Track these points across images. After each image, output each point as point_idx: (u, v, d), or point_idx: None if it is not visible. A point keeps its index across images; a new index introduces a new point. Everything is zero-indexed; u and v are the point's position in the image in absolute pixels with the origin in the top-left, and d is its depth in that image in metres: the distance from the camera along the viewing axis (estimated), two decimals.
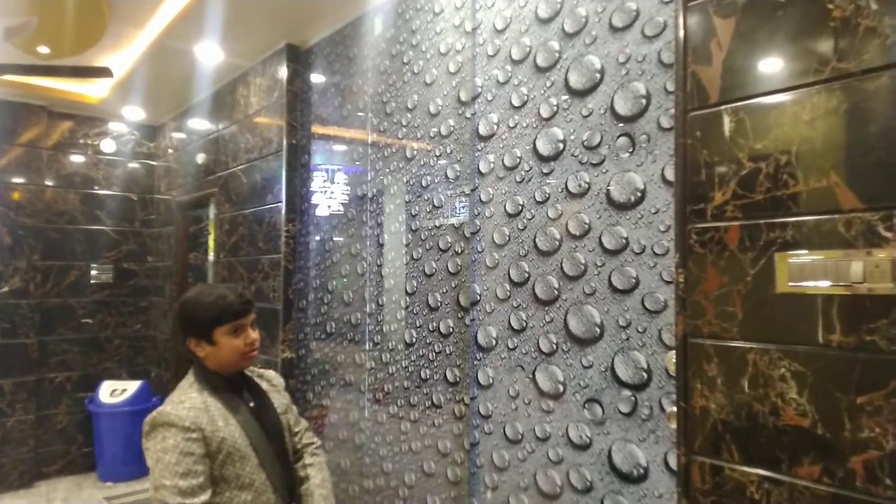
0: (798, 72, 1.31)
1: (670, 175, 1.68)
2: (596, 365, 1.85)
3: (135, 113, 4.84)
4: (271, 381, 1.76)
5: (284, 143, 3.27)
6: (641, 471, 1.72)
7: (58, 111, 4.69)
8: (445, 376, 2.35)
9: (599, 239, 1.85)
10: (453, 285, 2.33)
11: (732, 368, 1.38)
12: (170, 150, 4.92)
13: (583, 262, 1.89)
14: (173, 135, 4.86)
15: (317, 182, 3.20)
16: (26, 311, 4.47)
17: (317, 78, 3.26)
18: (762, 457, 1.33)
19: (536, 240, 2.03)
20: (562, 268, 1.95)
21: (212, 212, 4.37)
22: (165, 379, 4.75)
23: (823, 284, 1.25)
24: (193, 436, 1.43)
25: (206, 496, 1.41)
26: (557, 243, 1.97)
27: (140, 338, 5.08)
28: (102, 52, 3.60)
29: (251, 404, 1.60)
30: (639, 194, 1.75)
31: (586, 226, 1.89)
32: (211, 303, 1.53)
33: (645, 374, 1.73)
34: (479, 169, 2.25)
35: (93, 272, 4.87)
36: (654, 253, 1.71)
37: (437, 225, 2.42)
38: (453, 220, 2.35)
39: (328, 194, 3.14)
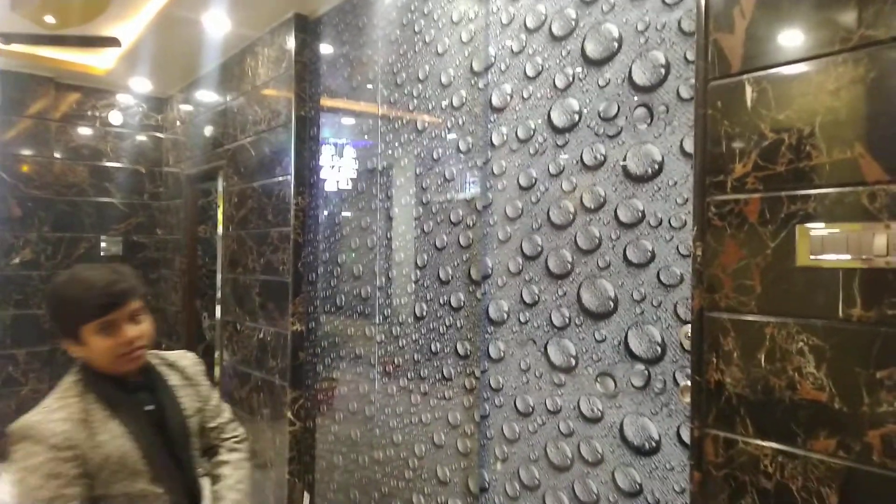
0: (824, 40, 1.27)
1: (689, 147, 1.64)
2: (609, 339, 1.84)
3: (142, 84, 4.80)
4: (184, 372, 1.51)
5: (293, 115, 3.24)
6: (653, 444, 1.73)
7: (65, 83, 4.66)
8: (456, 349, 2.35)
9: (615, 212, 1.82)
10: (465, 259, 2.32)
11: (749, 342, 1.37)
12: (178, 123, 4.89)
13: (597, 235, 1.87)
14: (181, 107, 4.83)
15: (325, 156, 3.18)
16: (38, 282, 4.50)
17: (326, 48, 3.22)
18: (777, 431, 1.33)
19: (550, 213, 2.01)
20: (576, 241, 1.93)
21: (220, 185, 4.35)
22: None
23: (845, 258, 1.23)
24: (64, 455, 1.18)
25: None
26: (571, 216, 1.95)
27: (150, 310, 5.05)
28: (109, 22, 3.56)
29: (149, 407, 1.36)
30: (656, 166, 1.72)
31: (601, 199, 1.86)
32: (73, 296, 1.27)
33: (659, 348, 1.72)
34: (491, 141, 2.22)
35: (102, 244, 4.89)
36: (671, 226, 1.69)
37: (449, 199, 2.40)
38: (465, 194, 2.33)
39: (337, 169, 3.12)
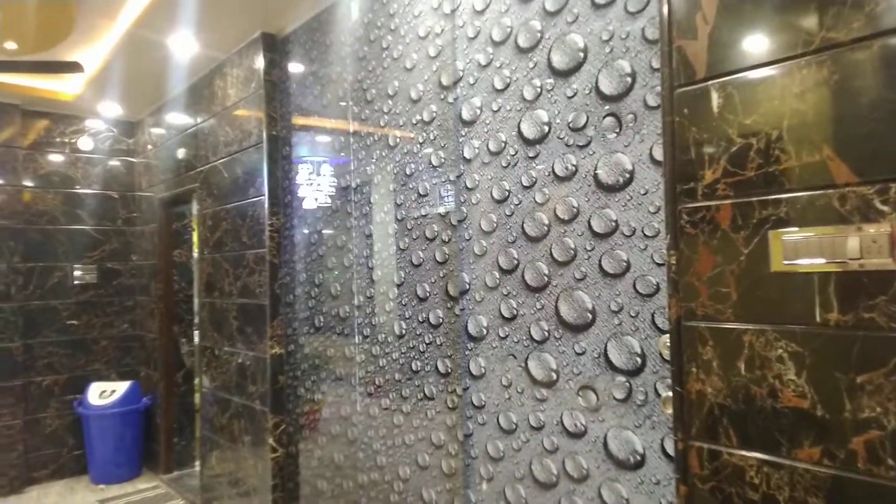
0: (787, 43, 1.27)
1: (659, 154, 1.63)
2: (589, 351, 1.82)
3: (111, 109, 4.73)
4: None
5: (265, 134, 3.20)
6: (638, 457, 1.69)
7: (32, 109, 4.58)
8: (437, 367, 2.31)
9: (588, 222, 1.81)
10: (442, 275, 2.28)
11: (728, 351, 1.35)
12: (149, 146, 4.82)
13: (572, 246, 1.85)
14: (152, 130, 4.76)
15: (302, 175, 3.13)
16: (9, 314, 4.39)
17: (295, 67, 3.18)
18: (761, 440, 1.30)
19: (524, 225, 1.99)
20: (551, 253, 1.91)
21: (194, 208, 4.29)
22: (155, 379, 4.69)
23: (819, 262, 1.21)
24: None
25: None
26: (546, 228, 1.93)
27: (127, 338, 5.00)
28: (73, 47, 3.50)
29: None
30: (627, 175, 1.71)
31: (575, 209, 1.84)
32: None
33: (639, 359, 1.69)
34: (463, 155, 2.20)
35: (76, 273, 4.79)
36: (645, 235, 1.67)
37: (424, 214, 2.37)
38: (439, 209, 2.30)
39: (315, 186, 3.08)
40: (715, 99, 1.37)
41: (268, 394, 3.15)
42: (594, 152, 1.80)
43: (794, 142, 1.25)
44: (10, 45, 2.98)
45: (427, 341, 2.35)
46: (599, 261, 1.78)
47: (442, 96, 2.26)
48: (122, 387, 4.60)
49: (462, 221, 2.20)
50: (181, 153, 4.23)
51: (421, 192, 2.38)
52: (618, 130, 1.73)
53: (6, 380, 4.36)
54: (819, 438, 1.22)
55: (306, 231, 3.13)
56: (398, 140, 2.50)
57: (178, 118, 4.27)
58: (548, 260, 1.92)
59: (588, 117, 1.81)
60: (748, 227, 1.32)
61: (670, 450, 1.62)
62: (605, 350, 1.77)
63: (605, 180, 1.77)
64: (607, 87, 1.76)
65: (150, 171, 4.82)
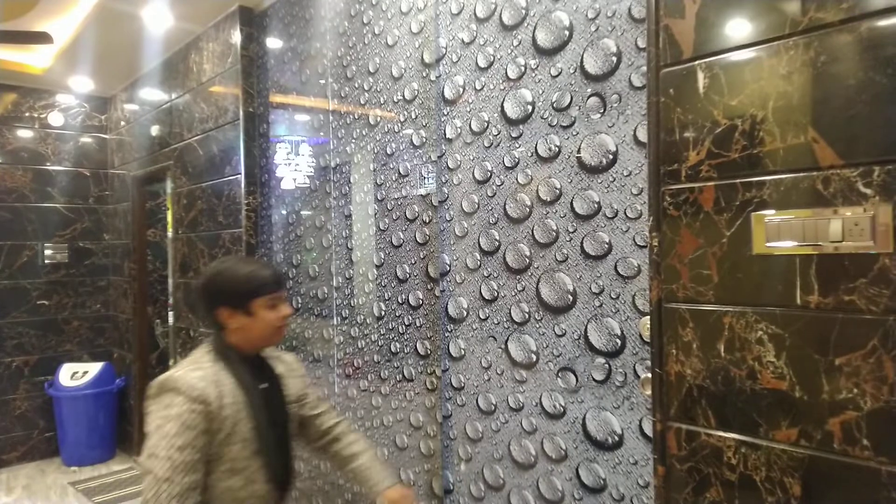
0: (774, 24, 1.25)
1: (643, 136, 1.62)
2: (569, 333, 1.81)
3: (83, 84, 4.59)
4: (290, 365, 1.64)
5: (241, 111, 3.13)
6: (616, 438, 1.71)
7: None
8: (416, 349, 2.29)
9: (571, 204, 1.79)
10: (422, 256, 2.26)
11: (708, 333, 1.35)
12: (122, 123, 4.69)
13: (554, 228, 1.84)
14: (125, 106, 4.64)
15: (281, 154, 3.07)
16: None
17: (273, 42, 3.11)
18: (739, 421, 1.31)
19: (506, 207, 1.97)
20: (533, 235, 1.90)
21: (169, 186, 4.19)
22: (128, 360, 4.61)
23: (801, 244, 1.21)
24: (198, 408, 1.32)
25: (197, 475, 1.32)
26: (528, 210, 1.91)
27: (100, 318, 4.91)
28: (41, 17, 3.38)
29: (263, 385, 1.49)
30: (610, 157, 1.69)
31: (557, 191, 1.83)
32: (250, 273, 1.46)
33: (619, 341, 1.69)
34: (445, 134, 2.17)
35: (47, 252, 4.67)
36: (627, 217, 1.66)
37: (405, 195, 2.34)
38: (420, 190, 2.27)
39: (293, 167, 3.02)
40: (701, 79, 1.36)
41: None
42: (578, 133, 1.78)
43: (780, 123, 1.25)
44: None
45: (406, 323, 2.33)
46: (581, 243, 1.77)
47: (424, 74, 2.22)
48: (94, 368, 4.52)
49: (443, 202, 2.17)
50: (155, 130, 4.13)
51: (402, 173, 2.34)
52: (602, 111, 1.71)
53: None
54: (797, 419, 1.23)
55: (284, 211, 3.08)
56: (379, 119, 2.46)
57: (152, 94, 4.16)
58: (529, 241, 1.91)
59: (572, 97, 1.79)
60: (731, 210, 1.31)
61: (648, 431, 1.63)
62: (586, 332, 1.77)
63: (588, 161, 1.75)
64: (592, 66, 1.74)
65: (122, 148, 4.70)
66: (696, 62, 1.37)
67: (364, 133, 2.54)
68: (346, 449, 1.67)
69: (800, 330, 1.22)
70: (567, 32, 1.80)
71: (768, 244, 1.26)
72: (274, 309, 1.49)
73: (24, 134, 4.59)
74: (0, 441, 4.41)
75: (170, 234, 4.36)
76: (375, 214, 2.48)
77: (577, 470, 1.80)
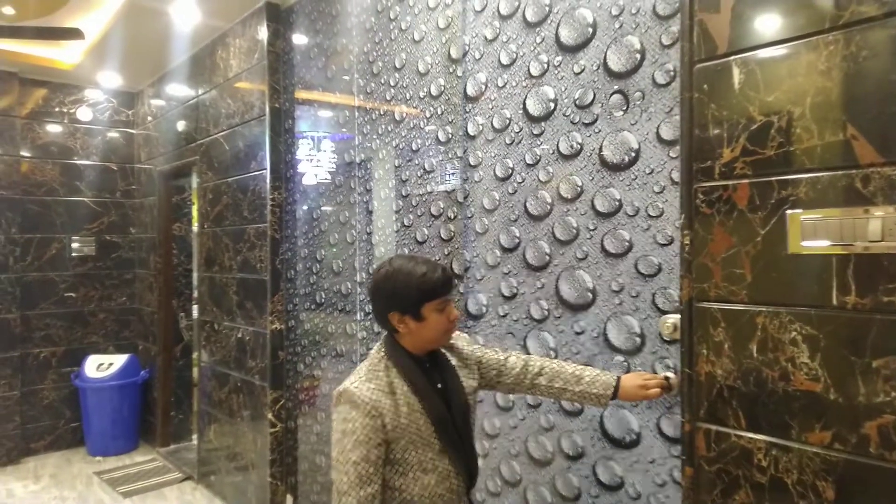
0: (814, 18, 1.23)
1: (665, 134, 1.61)
2: (588, 331, 1.81)
3: (111, 79, 4.66)
4: (461, 354, 1.60)
5: (267, 107, 3.15)
6: (634, 436, 1.70)
7: (30, 78, 4.50)
8: None
9: (592, 202, 1.78)
10: (446, 252, 2.25)
11: (740, 333, 1.33)
12: (148, 118, 4.76)
13: (575, 225, 1.83)
14: (152, 101, 4.70)
15: (303, 150, 3.09)
16: (6, 285, 4.35)
17: (299, 38, 3.13)
18: (771, 423, 1.29)
19: (527, 204, 1.96)
20: (553, 232, 1.89)
21: (194, 181, 4.25)
22: (153, 352, 4.68)
23: (838, 244, 1.19)
24: (372, 423, 1.36)
25: (375, 486, 1.37)
26: (549, 207, 1.90)
27: (126, 311, 4.98)
28: (72, 13, 3.43)
29: (439, 386, 1.48)
30: (633, 154, 1.67)
31: (578, 188, 1.82)
32: (423, 277, 1.41)
33: (638, 339, 1.68)
34: (467, 131, 2.16)
35: (74, 245, 4.75)
36: (649, 215, 1.65)
37: (429, 191, 2.34)
38: (444, 186, 2.26)
39: (314, 162, 3.04)
40: (736, 75, 1.33)
41: (267, 369, 3.14)
42: (600, 130, 1.76)
43: (818, 120, 1.22)
44: (8, 10, 2.91)
45: None
46: (602, 240, 1.76)
47: (451, 69, 2.22)
48: (119, 360, 4.59)
49: (465, 198, 2.17)
50: (181, 125, 4.18)
51: (427, 169, 2.34)
52: (625, 108, 1.70)
53: (4, 351, 4.34)
54: (831, 422, 1.20)
55: (308, 206, 3.10)
56: (404, 115, 2.46)
57: (179, 89, 4.21)
58: (549, 239, 1.90)
59: (595, 94, 1.77)
60: (766, 208, 1.29)
61: (666, 430, 1.62)
62: (605, 330, 1.76)
63: (610, 159, 1.73)
64: (616, 63, 1.72)
65: (149, 143, 4.76)
66: (732, 57, 1.35)
67: (389, 129, 2.55)
68: (553, 381, 1.58)
69: (835, 331, 1.20)
70: (591, 29, 1.78)
71: (804, 243, 1.23)
72: (443, 312, 1.45)
73: (54, 129, 4.67)
74: (28, 430, 4.50)
75: (195, 228, 4.41)
76: (400, 210, 2.49)
77: (593, 467, 1.80)
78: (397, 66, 2.48)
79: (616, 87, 1.72)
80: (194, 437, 4.42)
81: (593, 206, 1.77)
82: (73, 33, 2.95)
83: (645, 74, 1.65)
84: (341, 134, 2.88)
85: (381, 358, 1.47)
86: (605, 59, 1.74)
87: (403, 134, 2.46)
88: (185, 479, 4.00)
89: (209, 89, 3.76)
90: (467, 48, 2.15)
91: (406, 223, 2.44)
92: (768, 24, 1.29)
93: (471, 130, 2.15)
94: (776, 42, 1.28)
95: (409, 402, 1.41)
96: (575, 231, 1.82)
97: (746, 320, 1.32)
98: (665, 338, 1.60)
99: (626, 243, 1.69)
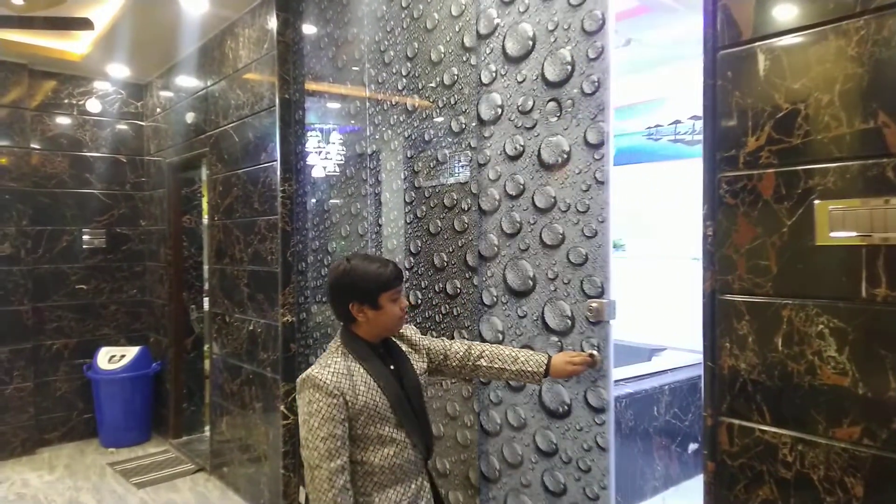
0: (844, 1, 1.19)
1: (591, 138, 1.77)
2: (529, 314, 1.98)
3: (120, 70, 4.64)
4: (411, 341, 1.77)
5: (277, 98, 3.12)
6: (566, 408, 1.88)
7: (39, 69, 4.49)
8: (453, 338, 2.27)
9: (532, 198, 1.95)
10: (460, 244, 2.23)
11: (765, 326, 1.30)
12: (157, 110, 4.74)
13: (518, 220, 2.00)
14: (160, 93, 4.69)
15: (311, 143, 3.07)
16: (18, 277, 4.37)
17: (309, 28, 3.09)
18: (796, 418, 1.26)
19: (480, 201, 2.14)
20: (501, 226, 2.06)
21: (204, 173, 4.24)
22: (164, 344, 4.69)
23: (868, 235, 1.16)
24: (335, 401, 1.49)
25: (342, 458, 1.49)
26: (497, 203, 2.06)
27: (136, 303, 4.99)
28: (81, 4, 3.41)
29: (392, 368, 1.64)
30: (565, 156, 1.85)
31: (521, 186, 1.99)
32: (378, 269, 1.59)
33: (569, 321, 1.85)
34: (480, 120, 2.13)
35: (85, 237, 4.75)
36: (578, 210, 1.81)
37: (442, 182, 2.31)
38: (452, 178, 2.25)
39: (323, 155, 3.02)
40: (761, 61, 1.30)
41: (279, 361, 3.13)
42: (538, 134, 1.93)
43: (846, 108, 1.19)
44: (18, 1, 2.89)
45: (443, 312, 2.31)
46: (540, 233, 1.93)
47: (464, 58, 2.19)
48: (131, 352, 4.60)
49: (479, 191, 2.15)
50: (190, 117, 4.16)
51: (439, 160, 2.32)
52: (558, 114, 1.87)
53: (17, 342, 4.36)
54: (859, 417, 1.18)
55: (319, 198, 3.08)
56: (416, 105, 2.43)
57: (188, 81, 4.19)
58: (498, 232, 2.07)
59: (534, 101, 1.94)
60: (792, 198, 1.26)
61: (592, 401, 1.80)
62: (543, 313, 1.93)
63: (546, 160, 1.91)
64: (551, 73, 1.89)
65: (158, 135, 4.75)
66: (757, 44, 1.32)
67: (401, 119, 2.52)
68: (493, 362, 1.77)
69: (865, 324, 1.17)
70: (531, 42, 1.94)
71: (832, 234, 1.20)
72: (396, 302, 1.62)
73: (63, 120, 4.67)
74: (42, 421, 4.53)
75: (205, 220, 4.40)
76: (412, 202, 2.46)
77: (534, 436, 1.98)
78: (409, 55, 2.45)
79: (551, 95, 1.89)
80: (206, 428, 4.44)
81: (534, 203, 1.95)
82: (83, 23, 2.93)
83: (575, 84, 1.82)
84: (350, 126, 2.85)
85: (338, 347, 1.62)
86: (542, 69, 1.91)
87: (416, 124, 2.44)
88: (197, 471, 4.02)
89: (218, 80, 3.74)
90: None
91: (418, 215, 2.42)
92: (795, 8, 1.26)
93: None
94: (803, 27, 1.25)
95: (366, 382, 1.56)
96: (519, 225, 2.00)
97: (771, 313, 1.29)
98: (590, 320, 1.78)
99: (560, 236, 1.87)
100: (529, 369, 1.72)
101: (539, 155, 1.92)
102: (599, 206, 1.75)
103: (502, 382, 2.05)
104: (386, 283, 1.59)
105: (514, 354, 1.76)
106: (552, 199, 1.88)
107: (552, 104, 1.87)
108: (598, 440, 1.79)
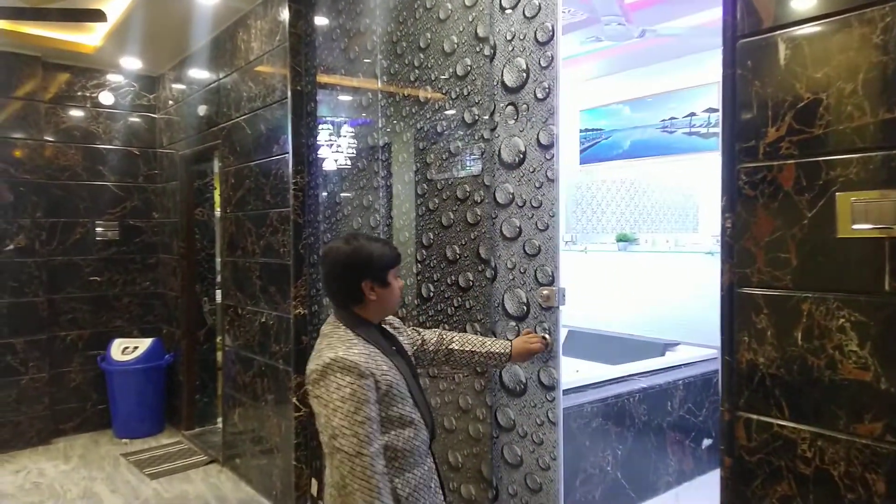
0: None
1: (543, 139, 1.93)
2: (492, 301, 2.14)
3: (132, 63, 4.66)
4: (393, 324, 1.77)
5: (289, 90, 3.12)
6: (522, 387, 2.05)
7: (53, 62, 4.51)
8: (465, 331, 2.26)
9: (494, 195, 2.11)
10: (472, 237, 2.22)
11: (784, 320, 1.28)
12: (170, 102, 4.76)
13: (480, 214, 2.16)
14: (173, 86, 4.70)
15: (323, 135, 3.06)
16: (33, 269, 4.41)
17: (321, 19, 3.08)
18: (816, 413, 1.24)
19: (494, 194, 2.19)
20: (466, 219, 2.22)
21: (216, 165, 4.25)
22: (177, 336, 4.72)
23: (892, 227, 1.13)
24: (366, 382, 1.43)
25: (379, 443, 1.44)
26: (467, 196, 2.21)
27: (149, 295, 5.02)
28: None
29: (394, 347, 1.64)
30: (521, 156, 2.01)
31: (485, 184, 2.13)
32: (383, 247, 1.60)
33: (525, 308, 2.02)
34: (492, 114, 2.12)
35: (98, 229, 4.78)
36: (532, 206, 1.98)
37: (455, 174, 2.30)
38: (470, 170, 2.23)
39: (334, 147, 3.01)
40: (782, 50, 1.28)
41: (291, 353, 3.14)
42: (500, 135, 2.09)
43: (870, 97, 1.16)
44: None
45: (456, 305, 2.30)
46: (500, 227, 2.09)
47: (478, 49, 2.17)
48: (144, 343, 4.63)
49: (491, 183, 2.13)
50: (203, 109, 4.17)
51: (452, 152, 2.30)
52: (516, 118, 2.03)
53: (32, 333, 4.40)
54: (882, 413, 1.16)
55: (330, 191, 3.08)
56: (429, 97, 2.42)
57: (200, 73, 4.19)
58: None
59: (496, 105, 2.10)
60: (813, 189, 1.23)
61: (544, 380, 1.97)
62: (503, 300, 2.09)
63: (506, 159, 2.07)
64: (510, 80, 2.04)
65: (171, 128, 4.76)
66: (777, 32, 1.29)
67: (413, 111, 2.50)
68: (464, 346, 1.86)
69: (887, 318, 1.15)
70: (492, 51, 2.09)
71: (854, 226, 1.18)
72: (397, 279, 1.64)
73: (76, 113, 4.69)
74: (57, 412, 4.57)
75: (217, 212, 4.41)
76: (424, 194, 2.45)
77: (495, 413, 2.14)
78: (422, 46, 2.43)
79: (510, 100, 2.05)
80: (219, 420, 4.47)
81: (495, 198, 2.11)
82: (96, 15, 2.93)
83: (529, 90, 1.98)
84: (362, 119, 2.84)
85: (346, 330, 1.55)
86: (502, 76, 2.07)
87: (428, 116, 2.42)
88: (210, 462, 4.05)
89: (230, 72, 3.74)
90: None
91: (430, 207, 2.41)
92: None
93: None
94: (826, 15, 1.22)
95: (386, 362, 1.52)
96: (480, 219, 2.17)
97: (791, 306, 1.27)
98: (543, 306, 1.94)
99: (517, 229, 2.03)
100: (497, 350, 1.85)
101: (500, 155, 2.08)
102: (550, 201, 1.91)
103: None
104: (393, 259, 1.61)
105: (481, 339, 1.89)
106: (510, 196, 2.05)
107: (510, 108, 2.04)
108: (549, 415, 1.96)
